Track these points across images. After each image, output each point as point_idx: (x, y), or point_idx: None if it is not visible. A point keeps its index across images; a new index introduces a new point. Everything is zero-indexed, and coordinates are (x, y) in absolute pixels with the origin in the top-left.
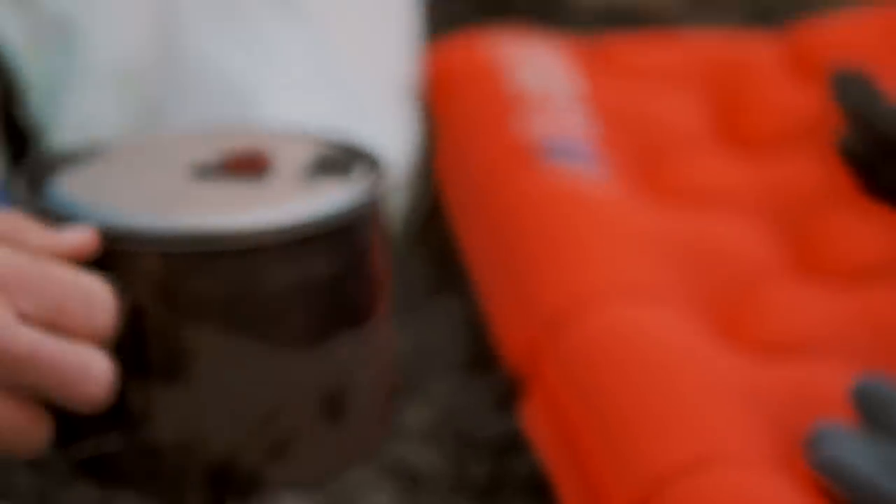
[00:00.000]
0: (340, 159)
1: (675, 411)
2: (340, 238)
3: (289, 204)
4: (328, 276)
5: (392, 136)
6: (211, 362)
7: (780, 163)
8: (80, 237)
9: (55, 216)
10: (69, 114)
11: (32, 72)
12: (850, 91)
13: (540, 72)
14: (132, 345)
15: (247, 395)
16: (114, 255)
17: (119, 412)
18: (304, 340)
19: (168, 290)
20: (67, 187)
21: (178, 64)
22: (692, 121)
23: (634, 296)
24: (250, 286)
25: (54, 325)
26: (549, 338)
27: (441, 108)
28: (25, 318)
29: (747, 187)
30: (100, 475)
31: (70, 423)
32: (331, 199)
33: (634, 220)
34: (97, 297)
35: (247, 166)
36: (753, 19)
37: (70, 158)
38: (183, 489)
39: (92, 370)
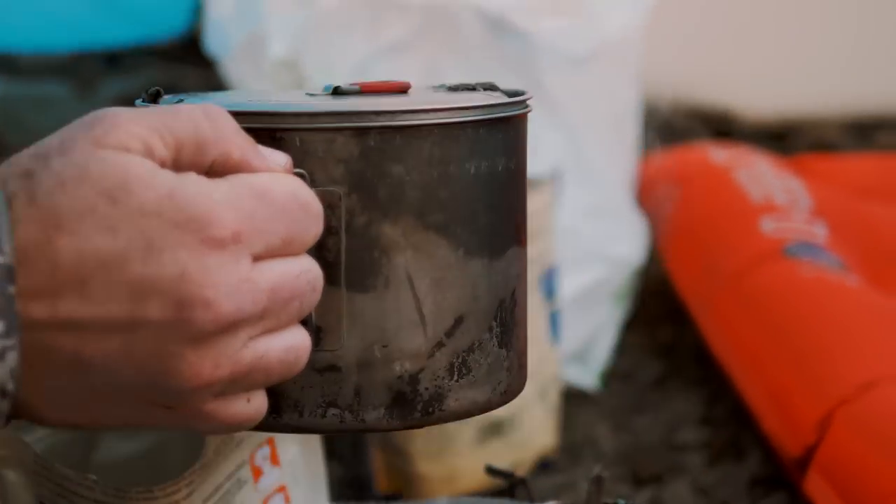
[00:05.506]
0: (472, 85)
1: None
2: (514, 133)
3: (457, 100)
4: (506, 173)
5: (629, 234)
6: (405, 262)
7: None
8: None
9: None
10: None
11: None
12: None
13: (764, 180)
14: (321, 246)
15: (437, 301)
16: (306, 143)
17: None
18: (486, 248)
19: (364, 176)
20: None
21: None
22: None
23: None
24: (444, 170)
25: (282, 253)
26: (848, 411)
27: (672, 207)
28: (257, 257)
29: None
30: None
31: None
32: (495, 97)
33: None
34: (313, 209)
35: (387, 87)
36: None
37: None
38: (365, 406)
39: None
